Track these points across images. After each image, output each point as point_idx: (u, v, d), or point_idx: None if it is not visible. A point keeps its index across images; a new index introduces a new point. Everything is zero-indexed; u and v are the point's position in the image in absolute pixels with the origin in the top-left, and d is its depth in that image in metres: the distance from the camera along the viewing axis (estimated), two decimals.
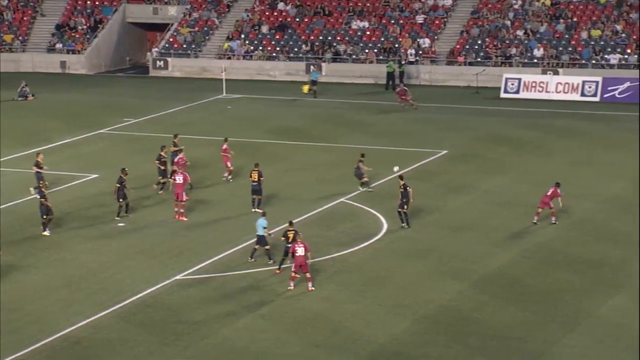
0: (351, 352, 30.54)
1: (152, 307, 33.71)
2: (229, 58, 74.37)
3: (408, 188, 40.62)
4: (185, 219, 41.87)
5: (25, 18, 78.86)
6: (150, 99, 66.70)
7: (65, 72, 75.93)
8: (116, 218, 41.99)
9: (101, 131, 57.86)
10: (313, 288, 34.68)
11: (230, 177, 47.26)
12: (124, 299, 34.24)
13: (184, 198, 42.35)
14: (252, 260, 37.19)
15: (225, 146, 47.32)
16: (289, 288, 34.84)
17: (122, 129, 58.85)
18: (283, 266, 36.10)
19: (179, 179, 42.54)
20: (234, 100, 66.37)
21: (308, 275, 34.78)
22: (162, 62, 75.40)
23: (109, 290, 35.13)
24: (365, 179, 45.58)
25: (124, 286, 35.42)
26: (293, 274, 34.88)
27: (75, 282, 35.87)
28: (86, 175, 47.37)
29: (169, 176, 44.65)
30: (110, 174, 45.28)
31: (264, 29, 75.87)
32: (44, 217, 40.36)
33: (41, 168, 44.75)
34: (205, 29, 76.93)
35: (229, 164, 47.31)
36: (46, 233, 40.41)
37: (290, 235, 35.62)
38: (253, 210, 43.04)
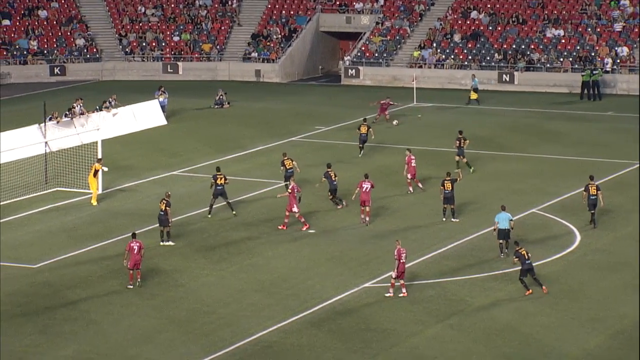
0: None
1: (341, 314, 33.91)
2: (420, 67, 74.31)
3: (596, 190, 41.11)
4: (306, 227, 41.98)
5: (222, 28, 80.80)
6: (342, 107, 67.21)
7: (259, 80, 77.40)
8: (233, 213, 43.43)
9: (293, 139, 58.67)
10: (406, 293, 34.92)
11: (411, 189, 46.81)
12: (313, 305, 34.57)
13: (369, 204, 42.49)
14: (502, 256, 37.91)
15: (412, 156, 46.83)
16: (387, 295, 34.85)
17: (313, 136, 59.52)
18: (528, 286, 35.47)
19: (367, 186, 42.71)
20: (425, 108, 66.22)
21: (402, 281, 35.02)
22: (353, 70, 75.96)
23: (299, 295, 35.53)
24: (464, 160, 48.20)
25: (314, 292, 35.76)
26: (393, 282, 35.00)
27: (266, 287, 36.44)
28: (278, 182, 48.02)
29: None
30: (300, 182, 45.81)
31: (456, 37, 75.44)
32: (167, 227, 40.08)
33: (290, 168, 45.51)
34: (397, 37, 77.09)
35: (409, 175, 46.74)
36: (169, 243, 40.21)
37: (523, 252, 35.22)
38: (444, 219, 42.81)
